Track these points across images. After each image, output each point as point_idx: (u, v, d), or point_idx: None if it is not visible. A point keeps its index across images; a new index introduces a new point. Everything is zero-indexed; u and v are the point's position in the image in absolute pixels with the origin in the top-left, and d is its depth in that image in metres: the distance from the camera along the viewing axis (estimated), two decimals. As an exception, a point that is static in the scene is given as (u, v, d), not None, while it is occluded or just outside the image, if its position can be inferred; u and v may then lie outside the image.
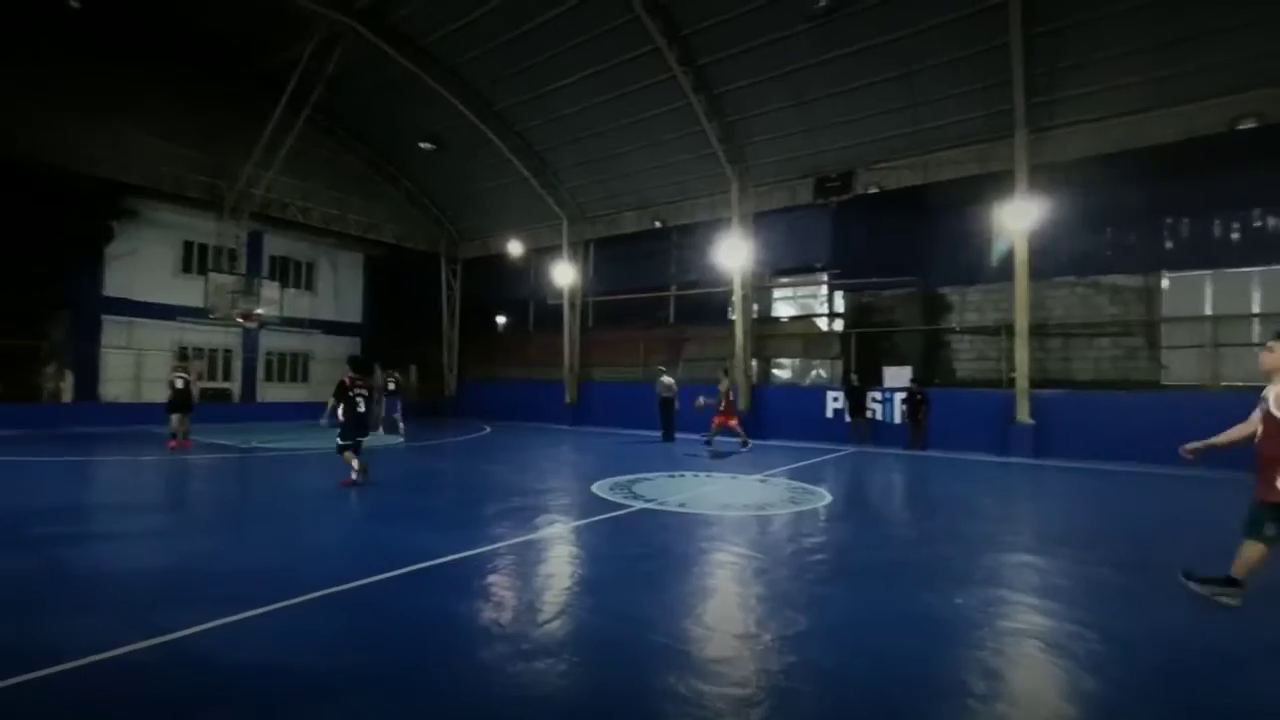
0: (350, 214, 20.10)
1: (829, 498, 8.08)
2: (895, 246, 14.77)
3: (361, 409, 8.06)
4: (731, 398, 13.06)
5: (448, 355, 23.02)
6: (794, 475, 9.93)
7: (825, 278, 16.27)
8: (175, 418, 11.93)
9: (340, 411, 8.00)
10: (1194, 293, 12.02)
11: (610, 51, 13.79)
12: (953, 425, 13.15)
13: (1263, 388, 4.07)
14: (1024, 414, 12.31)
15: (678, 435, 14.81)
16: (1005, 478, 10.37)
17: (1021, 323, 12.32)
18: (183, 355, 16.81)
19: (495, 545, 5.49)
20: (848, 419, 14.40)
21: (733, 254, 15.62)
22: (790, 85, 13.36)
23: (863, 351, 14.98)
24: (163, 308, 17.83)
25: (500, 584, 4.53)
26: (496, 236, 21.16)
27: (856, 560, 5.33)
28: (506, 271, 21.82)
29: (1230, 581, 4.06)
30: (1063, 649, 3.47)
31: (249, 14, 14.32)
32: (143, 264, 17.68)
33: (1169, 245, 12.22)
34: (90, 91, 15.13)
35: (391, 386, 15.40)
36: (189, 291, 17.66)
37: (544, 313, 21.28)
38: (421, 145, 18.42)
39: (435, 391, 23.16)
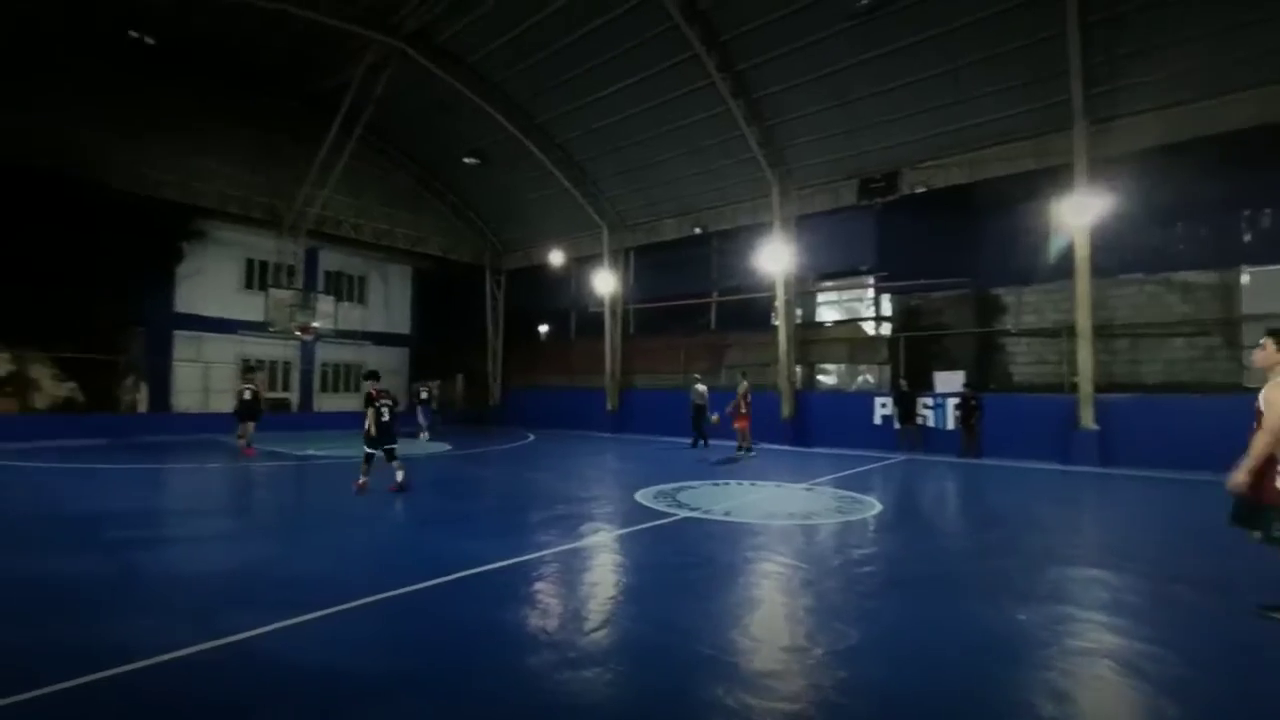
0: (399, 228, 20.80)
1: (879, 507, 7.84)
2: (945, 247, 14.29)
3: (385, 418, 8.41)
4: (749, 400, 13.41)
5: (492, 364, 23.49)
6: (841, 484, 9.68)
7: (871, 281, 15.88)
8: (244, 425, 12.89)
9: (368, 421, 8.40)
10: (1278, 288, 11.18)
11: (649, 61, 13.89)
12: (1010, 432, 12.59)
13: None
14: (1088, 419, 11.68)
15: (712, 442, 14.67)
16: (1068, 487, 9.85)
17: (1084, 323, 11.71)
18: (248, 367, 17.67)
19: (541, 553, 5.54)
20: (897, 425, 13.97)
21: (775, 258, 15.43)
22: (831, 86, 13.16)
23: (912, 356, 14.53)
24: (227, 322, 18.82)
25: (546, 592, 4.57)
26: (538, 246, 21.52)
27: (909, 572, 5.14)
28: (548, 281, 22.14)
29: None
30: (1138, 670, 3.26)
31: (304, 42, 15.02)
32: (209, 281, 18.74)
33: (1248, 238, 11.42)
34: (161, 121, 16.17)
35: (424, 395, 16.44)
36: (251, 307, 18.58)
37: (585, 321, 21.48)
38: (466, 160, 18.93)
39: (480, 400, 23.65)
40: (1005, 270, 13.66)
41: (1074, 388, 11.97)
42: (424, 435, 16.53)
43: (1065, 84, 11.19)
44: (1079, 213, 11.57)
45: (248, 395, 12.84)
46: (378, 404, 8.38)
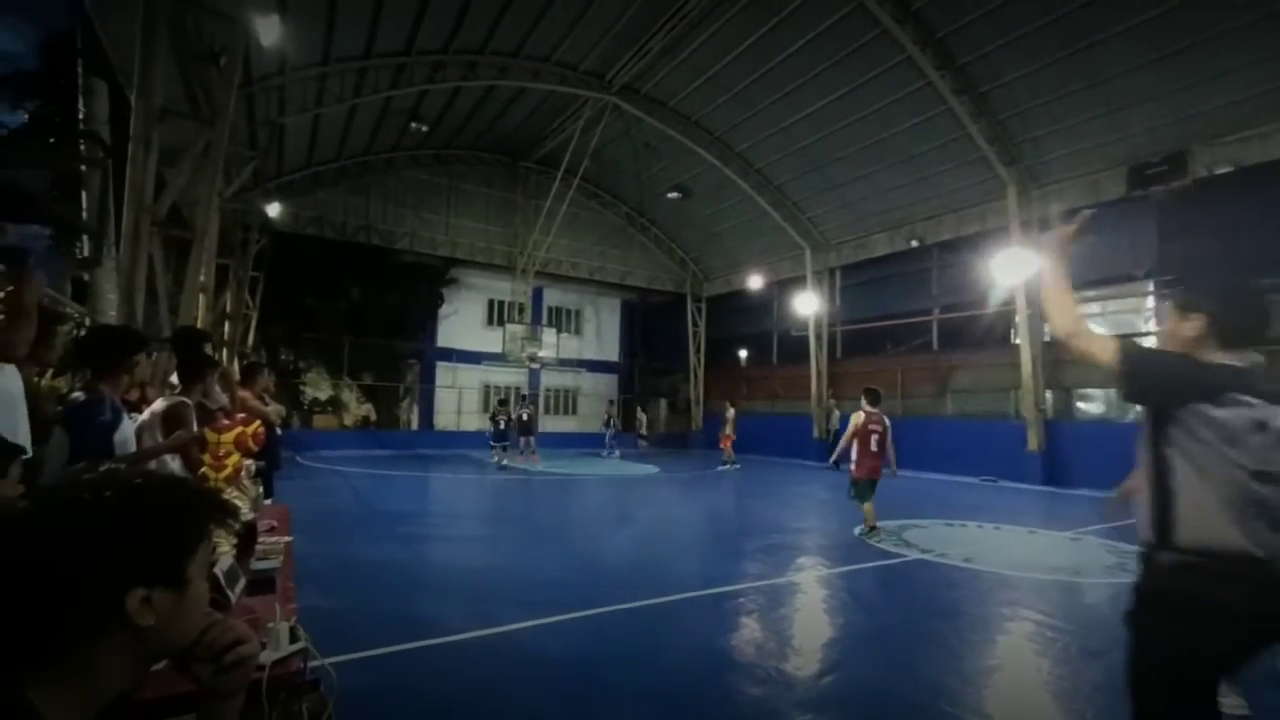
0: (609, 264, 22.60)
1: (1182, 568, 6.20)
2: (1266, 235, 11.12)
3: (501, 427, 14.53)
4: (735, 424, 16.40)
5: (694, 389, 24.02)
6: (1117, 535, 7.89)
7: (1151, 286, 12.97)
8: (526, 439, 16.13)
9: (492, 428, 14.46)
10: None
11: (854, 72, 13.26)
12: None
13: None
14: None
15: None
16: None
17: None
18: (513, 400, 20.27)
19: (758, 583, 5.40)
20: (1197, 466, 11.02)
21: (1014, 267, 13.41)
22: (1080, 65, 11.18)
23: (1216, 378, 11.42)
24: (474, 354, 22.10)
25: (768, 623, 4.42)
26: (738, 272, 21.61)
27: (1247, 659, 3.93)
28: (749, 305, 22.06)
29: None
30: None
31: (534, 110, 17.44)
32: (461, 320, 22.26)
33: None
34: (431, 190, 19.81)
35: (524, 417, 17.43)
36: (492, 340, 21.57)
37: (788, 345, 20.91)
38: (669, 195, 19.91)
39: (683, 424, 24.29)
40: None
41: None
42: (609, 454, 18.55)
43: None
44: None
45: (525, 416, 16.43)
46: (495, 418, 14.65)
